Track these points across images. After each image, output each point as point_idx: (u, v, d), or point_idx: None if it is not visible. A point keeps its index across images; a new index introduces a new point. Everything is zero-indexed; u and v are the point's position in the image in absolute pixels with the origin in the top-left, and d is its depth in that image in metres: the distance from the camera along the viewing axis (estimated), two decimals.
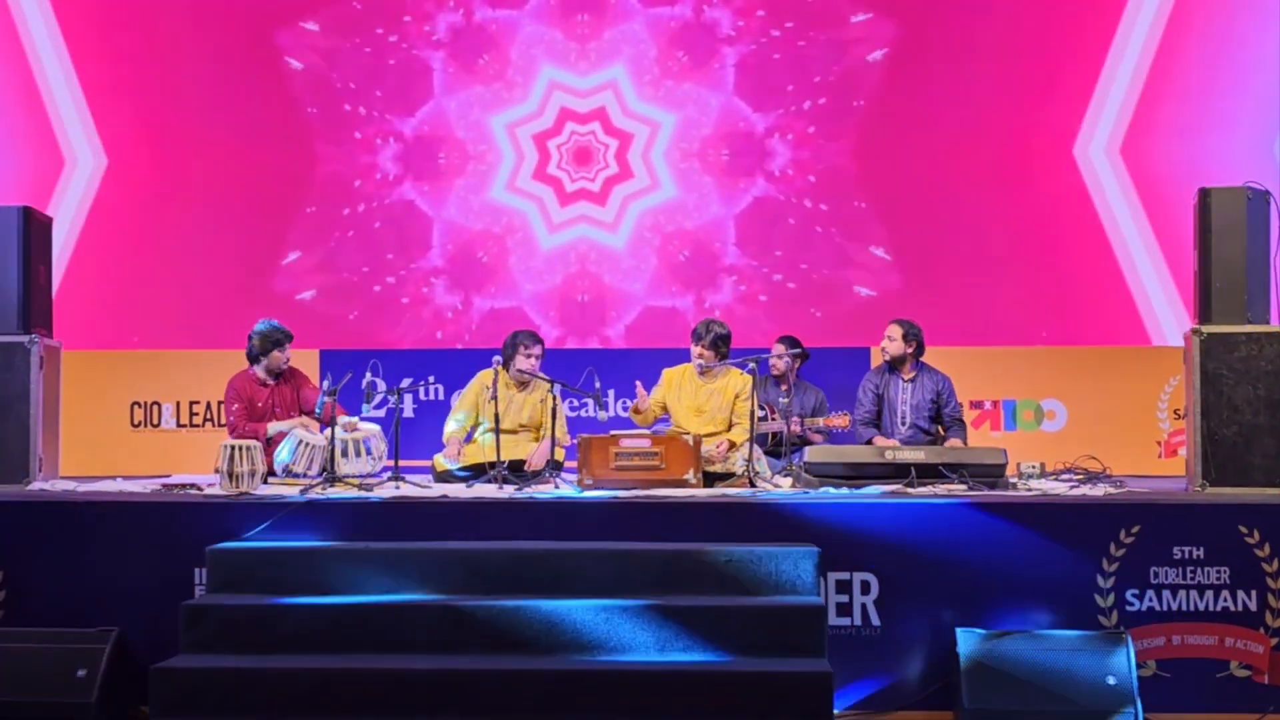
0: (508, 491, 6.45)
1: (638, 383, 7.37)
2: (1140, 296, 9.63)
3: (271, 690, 5.17)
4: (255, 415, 7.40)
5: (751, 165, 10.17)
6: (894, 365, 7.79)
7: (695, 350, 7.24)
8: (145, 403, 9.50)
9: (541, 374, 7.38)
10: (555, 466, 6.95)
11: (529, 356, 7.41)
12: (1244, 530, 5.80)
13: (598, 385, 6.88)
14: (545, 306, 10.07)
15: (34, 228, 7.23)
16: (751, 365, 7.02)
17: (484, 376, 7.56)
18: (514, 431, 7.32)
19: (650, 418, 7.44)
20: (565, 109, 10.10)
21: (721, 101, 10.31)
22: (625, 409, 9.18)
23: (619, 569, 5.63)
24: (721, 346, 7.23)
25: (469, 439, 7.52)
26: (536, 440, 7.46)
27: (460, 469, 7.26)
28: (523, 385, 7.44)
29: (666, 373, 7.45)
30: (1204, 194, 6.69)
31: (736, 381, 7.28)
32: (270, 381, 7.49)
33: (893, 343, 7.76)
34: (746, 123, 10.19)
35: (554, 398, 6.93)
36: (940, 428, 7.78)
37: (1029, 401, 9.30)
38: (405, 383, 8.54)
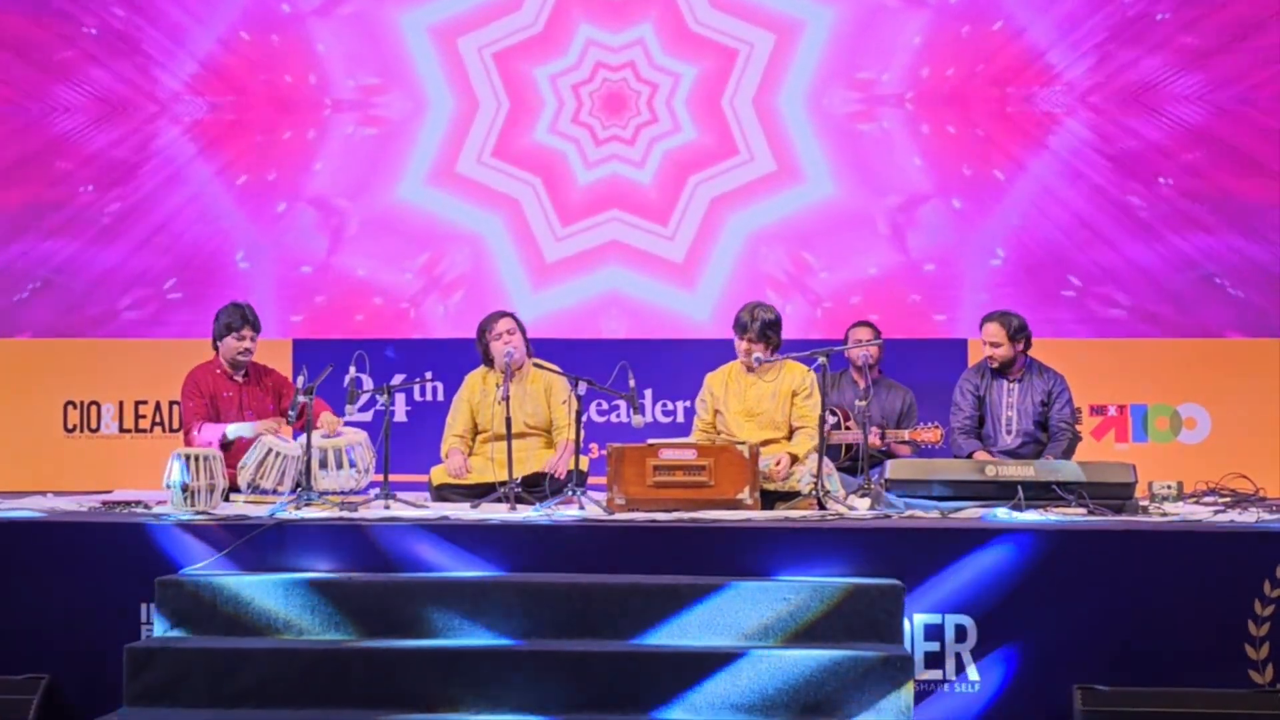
0: (521, 513, 6.45)
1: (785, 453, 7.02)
2: None
3: None
4: (219, 418, 7.40)
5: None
6: (1001, 368, 7.75)
7: (741, 345, 7.20)
8: (81, 403, 9.56)
9: (553, 366, 7.37)
10: (578, 481, 6.94)
11: (498, 338, 7.42)
12: None
13: (632, 384, 6.85)
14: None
15: None
16: (820, 360, 6.97)
17: (472, 379, 7.59)
18: (521, 435, 7.29)
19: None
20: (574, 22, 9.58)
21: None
22: (666, 412, 9.23)
23: (652, 606, 5.62)
24: (771, 335, 7.17)
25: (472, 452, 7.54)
26: (547, 447, 7.46)
27: (464, 486, 7.27)
28: (511, 375, 7.36)
29: (709, 379, 7.38)
30: None
31: (795, 376, 7.23)
32: (239, 378, 7.50)
33: (998, 348, 7.70)
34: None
35: (576, 398, 6.90)
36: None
37: (1163, 406, 9.22)
38: (397, 379, 8.59)
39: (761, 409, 7.20)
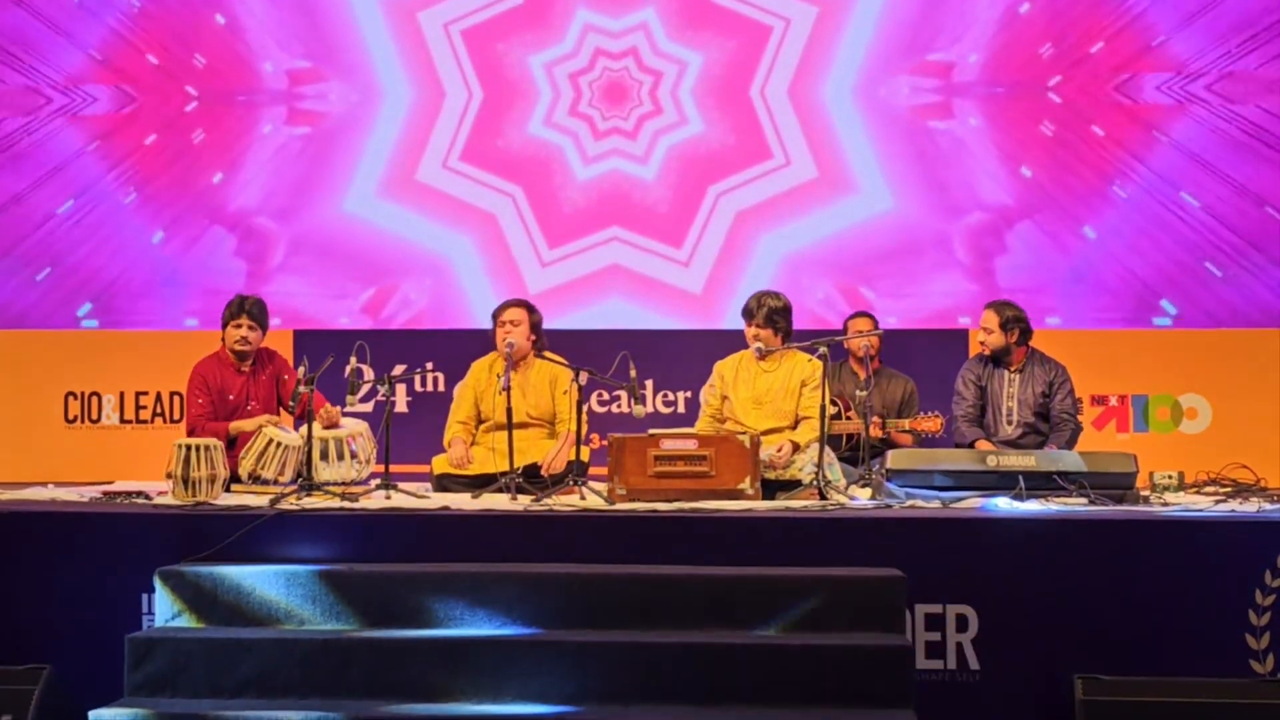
0: (522, 503, 6.45)
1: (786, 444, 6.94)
2: None
3: None
4: (226, 409, 7.42)
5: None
6: (998, 359, 7.76)
7: (749, 332, 7.21)
8: (82, 393, 9.56)
9: (558, 358, 7.36)
10: (579, 471, 6.94)
11: (502, 326, 7.39)
12: None
13: (633, 375, 6.85)
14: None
15: None
16: (822, 350, 6.98)
17: (478, 367, 7.58)
18: (524, 426, 7.29)
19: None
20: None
21: None
22: (667, 403, 9.22)
23: (656, 599, 5.62)
24: (779, 321, 7.19)
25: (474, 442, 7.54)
26: (550, 438, 7.46)
27: (465, 476, 7.27)
28: (514, 365, 7.36)
29: (719, 366, 7.41)
30: None
31: (802, 367, 7.25)
32: (245, 368, 7.51)
33: (990, 334, 7.72)
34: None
35: (577, 388, 6.89)
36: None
37: (1164, 397, 9.21)
38: (398, 370, 8.58)
39: (769, 398, 7.22)
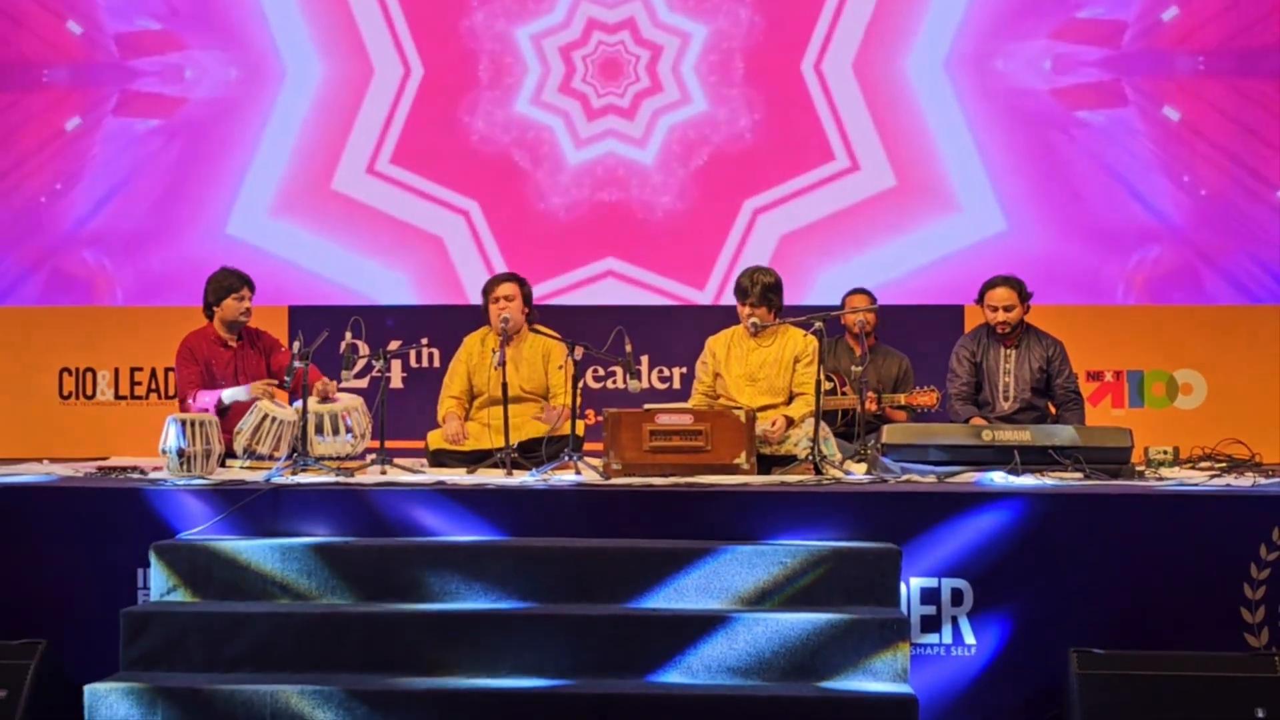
0: (518, 478, 6.45)
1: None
2: None
3: (229, 716, 5.18)
4: (214, 384, 7.41)
5: None
6: (999, 334, 7.73)
7: (744, 310, 7.21)
8: (77, 370, 9.55)
9: (552, 331, 7.35)
10: (575, 446, 6.94)
11: (496, 302, 7.38)
12: None
13: (629, 349, 6.85)
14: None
15: None
16: (817, 325, 6.99)
17: (470, 341, 7.57)
18: (518, 400, 7.29)
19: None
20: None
21: None
22: (663, 378, 9.22)
23: (649, 570, 5.62)
24: (774, 298, 7.20)
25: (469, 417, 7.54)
26: (544, 413, 7.47)
27: (460, 452, 7.28)
28: (508, 340, 7.35)
29: (711, 342, 7.40)
30: None
31: (796, 342, 7.23)
32: (233, 342, 7.51)
33: (1011, 311, 7.66)
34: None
35: (572, 363, 6.89)
36: (1051, 404, 7.75)
37: (1159, 373, 9.21)
38: (393, 345, 8.58)
39: (763, 374, 7.22)
